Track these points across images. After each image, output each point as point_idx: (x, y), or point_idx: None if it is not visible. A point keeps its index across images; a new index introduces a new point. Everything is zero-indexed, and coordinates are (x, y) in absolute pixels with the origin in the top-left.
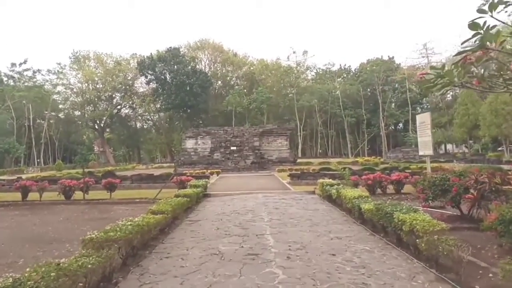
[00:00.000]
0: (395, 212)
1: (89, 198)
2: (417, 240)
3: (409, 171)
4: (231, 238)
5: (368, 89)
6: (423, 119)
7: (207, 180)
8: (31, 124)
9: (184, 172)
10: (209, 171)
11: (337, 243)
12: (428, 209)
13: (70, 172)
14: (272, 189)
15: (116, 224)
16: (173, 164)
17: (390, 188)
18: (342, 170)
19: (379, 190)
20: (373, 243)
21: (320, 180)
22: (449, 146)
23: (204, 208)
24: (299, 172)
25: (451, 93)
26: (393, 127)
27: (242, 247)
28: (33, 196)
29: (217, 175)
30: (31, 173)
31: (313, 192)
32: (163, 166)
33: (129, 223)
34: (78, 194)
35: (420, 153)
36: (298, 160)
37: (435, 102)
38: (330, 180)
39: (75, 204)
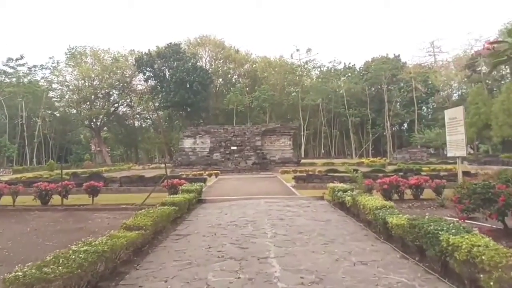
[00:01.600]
0: (440, 232)
1: (69, 203)
2: (481, 276)
3: (424, 174)
4: (225, 262)
5: (373, 88)
6: (454, 115)
7: (202, 184)
8: (24, 122)
9: (180, 173)
10: (207, 172)
11: (363, 272)
12: (465, 221)
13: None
14: (276, 194)
15: (65, 251)
16: (169, 164)
17: (408, 193)
18: (354, 172)
19: (395, 196)
20: (409, 272)
21: (330, 185)
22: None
23: (196, 217)
24: (304, 175)
25: (458, 92)
26: (397, 127)
27: (239, 277)
28: (6, 200)
29: (216, 177)
30: (1, 175)
31: (322, 198)
32: (160, 167)
33: (84, 248)
34: (57, 199)
35: (449, 154)
36: (302, 161)
37: (442, 102)
38: (342, 184)
39: (51, 211)
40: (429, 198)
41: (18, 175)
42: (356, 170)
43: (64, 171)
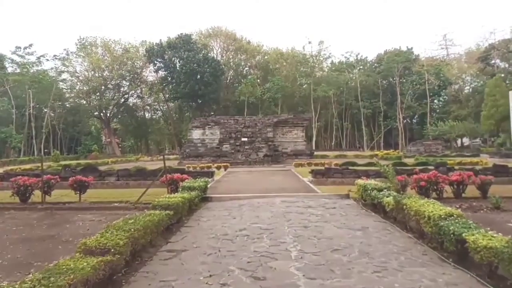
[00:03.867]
0: None
1: (52, 200)
2: None
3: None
4: None
5: (385, 81)
6: None
7: (207, 179)
8: (32, 112)
9: (186, 166)
10: (215, 164)
11: None
12: None
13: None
14: (293, 191)
15: None
16: (177, 156)
17: (448, 191)
18: (384, 166)
19: (434, 194)
20: None
21: (360, 181)
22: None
23: (198, 222)
24: (323, 168)
25: (471, 85)
26: (408, 120)
27: None
28: None
29: (225, 170)
30: None
31: (347, 196)
32: (170, 158)
33: None
34: (39, 196)
35: None
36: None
37: (454, 95)
38: (373, 181)
39: (29, 210)
40: (472, 197)
41: (14, 167)
42: (387, 165)
43: (64, 162)
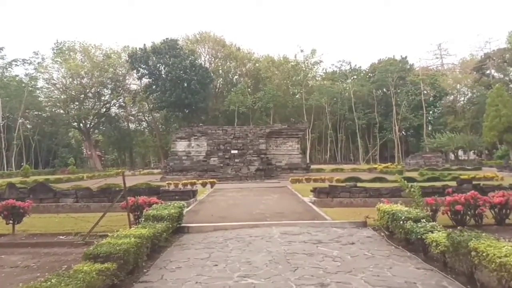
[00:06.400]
0: None
1: None
2: None
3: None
4: None
5: (380, 91)
6: None
7: (183, 204)
8: (0, 122)
9: (166, 183)
10: (200, 181)
11: None
12: None
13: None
14: (294, 217)
15: None
16: (163, 169)
17: (488, 217)
18: (409, 186)
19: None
20: None
21: (383, 207)
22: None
23: (161, 274)
24: (326, 186)
25: (466, 95)
26: (404, 132)
27: None
28: None
29: (211, 187)
30: None
31: (365, 224)
32: (153, 173)
33: None
34: None
35: None
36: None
37: (450, 106)
38: (402, 206)
39: None
40: None
41: None
42: (406, 179)
43: (35, 177)
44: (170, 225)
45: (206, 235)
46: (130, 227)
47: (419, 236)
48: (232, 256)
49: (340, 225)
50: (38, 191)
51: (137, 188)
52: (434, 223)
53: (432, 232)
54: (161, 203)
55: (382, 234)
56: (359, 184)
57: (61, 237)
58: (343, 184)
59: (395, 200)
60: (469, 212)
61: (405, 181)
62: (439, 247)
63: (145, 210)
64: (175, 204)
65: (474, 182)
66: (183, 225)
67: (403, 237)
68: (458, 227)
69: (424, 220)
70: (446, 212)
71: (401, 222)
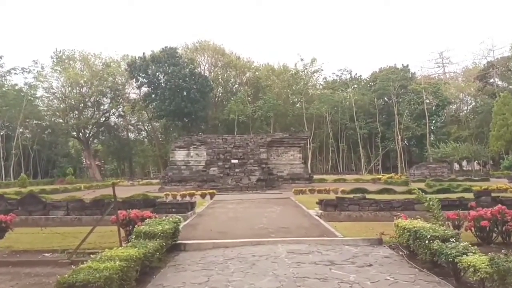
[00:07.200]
0: None
1: None
2: None
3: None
4: None
5: (381, 100)
6: None
7: (179, 219)
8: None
9: (164, 194)
10: (200, 192)
11: None
12: None
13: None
14: (300, 233)
15: None
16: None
17: None
18: (428, 199)
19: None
20: None
21: (402, 223)
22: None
23: None
24: (334, 198)
25: (469, 104)
26: (406, 142)
27: None
28: None
29: (211, 198)
30: None
31: (380, 242)
32: (152, 183)
33: None
34: None
35: None
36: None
37: (453, 115)
38: (421, 221)
39: None
40: None
41: None
42: (423, 192)
43: (32, 187)
44: (164, 243)
45: (205, 254)
46: (121, 244)
47: (450, 259)
48: (234, 280)
49: (352, 243)
50: (27, 203)
51: (132, 199)
52: (466, 243)
53: (466, 254)
54: (155, 217)
55: (401, 253)
56: (367, 196)
57: (46, 254)
58: (351, 196)
59: (408, 214)
60: (496, 229)
61: (423, 194)
62: (478, 274)
63: (137, 225)
64: (170, 219)
65: (493, 195)
66: (179, 242)
67: (428, 258)
68: (485, 245)
69: (453, 239)
70: (469, 228)
71: (427, 242)
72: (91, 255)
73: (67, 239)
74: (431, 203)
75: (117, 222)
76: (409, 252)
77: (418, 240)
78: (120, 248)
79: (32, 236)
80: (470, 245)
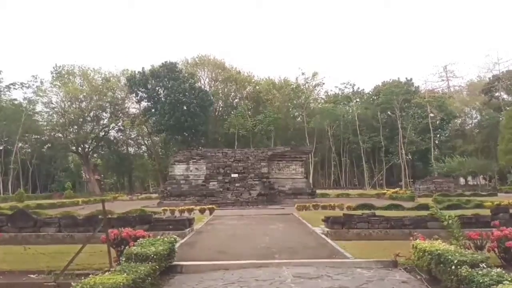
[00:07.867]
0: None
1: None
2: None
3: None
4: None
5: (384, 114)
6: None
7: (174, 239)
8: None
9: (162, 209)
10: (198, 207)
11: None
12: None
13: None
14: (307, 253)
15: None
16: (160, 194)
17: None
18: (448, 218)
19: None
20: None
21: (421, 244)
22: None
23: None
24: (340, 215)
25: (475, 118)
26: (410, 157)
27: None
28: None
29: (210, 213)
30: None
31: (395, 264)
32: (151, 197)
33: None
34: None
35: None
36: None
37: (458, 129)
38: (440, 242)
39: None
40: None
41: None
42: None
43: (29, 201)
44: (158, 266)
45: (203, 277)
46: (111, 266)
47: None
48: None
49: (365, 265)
50: (17, 219)
51: (127, 216)
52: (499, 269)
53: (501, 282)
54: (149, 236)
55: (419, 277)
56: (382, 215)
57: (32, 275)
58: (360, 213)
59: (421, 232)
60: None
61: (440, 211)
62: None
63: (129, 246)
64: (165, 239)
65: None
66: (175, 263)
67: (454, 286)
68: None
69: (483, 264)
70: (493, 248)
71: (453, 267)
72: (81, 277)
73: (56, 258)
74: (450, 221)
75: (107, 242)
76: (429, 276)
77: (441, 265)
78: (107, 273)
79: (19, 255)
80: (504, 272)
